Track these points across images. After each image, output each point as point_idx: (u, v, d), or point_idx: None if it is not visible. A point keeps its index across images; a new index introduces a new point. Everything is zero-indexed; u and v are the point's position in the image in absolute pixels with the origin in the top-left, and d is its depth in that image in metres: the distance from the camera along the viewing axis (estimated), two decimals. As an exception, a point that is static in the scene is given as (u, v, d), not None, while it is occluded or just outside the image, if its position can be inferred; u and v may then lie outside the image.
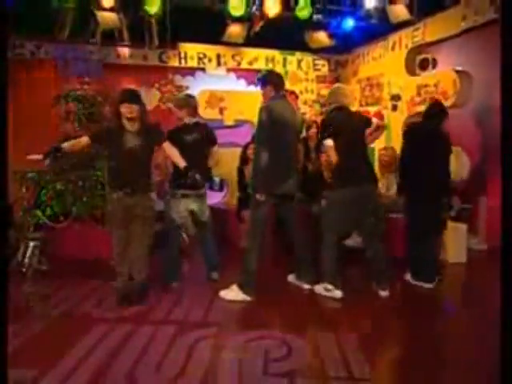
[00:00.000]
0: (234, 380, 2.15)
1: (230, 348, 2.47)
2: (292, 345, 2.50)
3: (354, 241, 4.71)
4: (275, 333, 2.68)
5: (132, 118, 3.02)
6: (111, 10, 4.59)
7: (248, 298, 3.30)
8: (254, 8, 4.93)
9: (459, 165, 4.69)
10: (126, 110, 3.00)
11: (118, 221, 3.10)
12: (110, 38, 5.21)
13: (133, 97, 3.07)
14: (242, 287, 3.30)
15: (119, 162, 3.06)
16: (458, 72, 4.63)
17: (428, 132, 3.64)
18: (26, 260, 4.04)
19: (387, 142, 5.70)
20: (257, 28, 5.20)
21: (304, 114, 6.78)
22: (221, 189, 6.56)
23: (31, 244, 4.11)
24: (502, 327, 1.43)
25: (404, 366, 2.37)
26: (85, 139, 3.09)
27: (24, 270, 3.98)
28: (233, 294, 3.31)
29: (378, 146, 5.92)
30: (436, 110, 3.68)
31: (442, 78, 4.80)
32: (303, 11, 4.86)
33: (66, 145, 3.06)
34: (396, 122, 5.54)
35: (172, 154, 3.22)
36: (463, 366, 2.32)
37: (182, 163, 3.18)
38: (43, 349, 2.49)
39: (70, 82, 4.83)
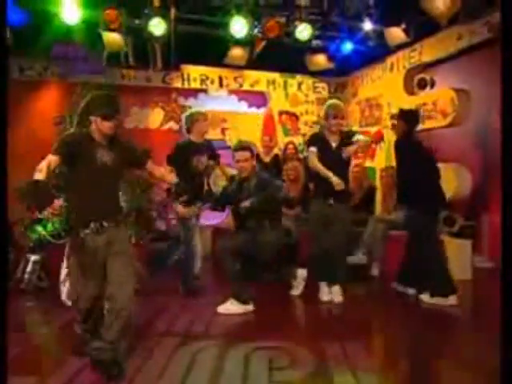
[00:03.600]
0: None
1: (234, 357, 2.42)
2: (296, 353, 2.45)
3: (358, 258, 4.69)
4: (279, 342, 2.63)
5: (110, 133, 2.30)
6: (117, 31, 4.72)
7: (250, 308, 3.25)
8: (256, 30, 5.09)
9: (461, 181, 4.71)
10: (104, 126, 2.25)
11: (86, 267, 2.25)
12: (116, 59, 5.36)
13: (114, 108, 2.29)
14: (237, 298, 3.26)
15: (88, 183, 2.24)
16: (456, 90, 4.73)
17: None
18: (26, 276, 3.99)
19: (387, 161, 5.74)
20: (258, 49, 5.35)
21: (304, 135, 6.90)
22: (223, 209, 6.57)
23: (31, 260, 4.08)
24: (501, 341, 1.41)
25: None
26: (51, 159, 2.17)
27: (23, 286, 3.93)
28: (234, 307, 3.26)
29: (379, 165, 5.98)
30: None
31: (441, 96, 4.90)
32: (303, 33, 5.00)
33: (38, 175, 2.11)
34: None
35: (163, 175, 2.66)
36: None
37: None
38: (42, 358, 2.42)
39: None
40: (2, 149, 1.85)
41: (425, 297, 3.56)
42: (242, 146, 3.42)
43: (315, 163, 3.54)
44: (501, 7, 2.22)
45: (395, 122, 3.96)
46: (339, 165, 3.56)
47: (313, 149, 3.64)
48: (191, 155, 3.71)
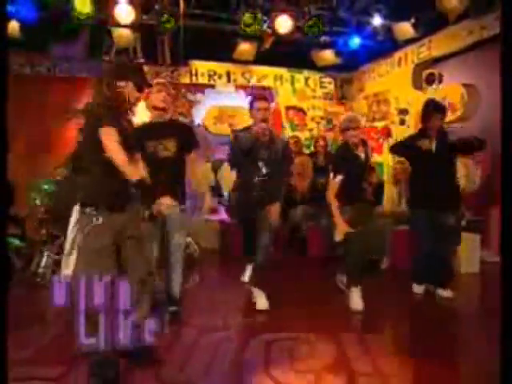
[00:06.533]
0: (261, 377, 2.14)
1: (255, 348, 2.47)
2: (317, 343, 2.50)
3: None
4: (300, 333, 2.68)
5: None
6: (127, 27, 4.74)
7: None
8: (265, 26, 5.10)
9: (469, 176, 4.75)
10: (135, 94, 2.14)
11: (102, 255, 2.03)
12: (124, 55, 5.38)
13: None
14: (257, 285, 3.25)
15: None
16: (465, 86, 4.75)
17: None
18: (41, 270, 4.04)
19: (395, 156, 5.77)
20: (267, 45, 5.37)
21: (311, 129, 6.93)
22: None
23: (45, 254, 4.12)
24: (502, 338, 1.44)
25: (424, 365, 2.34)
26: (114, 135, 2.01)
27: (39, 279, 3.98)
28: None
29: (386, 161, 6.02)
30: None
31: (450, 91, 4.92)
32: (313, 28, 5.01)
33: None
34: (404, 136, 5.62)
35: None
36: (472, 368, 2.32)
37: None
38: (63, 350, 2.45)
39: (85, 98, 4.95)
40: (3, 147, 1.81)
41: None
42: (261, 96, 3.33)
43: (331, 198, 3.30)
44: (501, 6, 2.21)
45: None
46: (362, 173, 3.47)
47: (339, 177, 3.27)
48: (145, 139, 2.75)
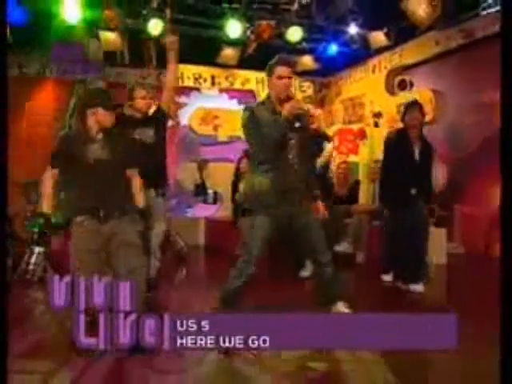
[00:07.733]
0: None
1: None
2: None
3: (344, 246, 5.01)
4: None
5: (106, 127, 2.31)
6: (115, 30, 4.90)
7: None
8: (249, 32, 5.37)
9: (438, 175, 5.11)
10: (106, 117, 2.28)
11: (92, 258, 2.25)
12: (112, 58, 5.53)
13: (112, 101, 2.37)
14: None
15: (84, 178, 2.28)
16: (434, 91, 5.15)
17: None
18: (31, 267, 4.05)
19: (370, 156, 6.12)
20: (250, 50, 5.63)
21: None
22: (214, 202, 6.82)
23: (36, 251, 4.17)
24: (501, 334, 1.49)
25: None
26: (52, 175, 2.33)
27: (29, 277, 4.02)
28: None
29: (362, 160, 6.35)
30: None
31: (420, 96, 5.28)
32: (293, 36, 5.30)
33: (45, 203, 2.34)
34: (378, 137, 5.98)
35: None
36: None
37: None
38: (56, 346, 2.39)
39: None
40: (2, 144, 1.88)
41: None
42: (284, 60, 2.43)
43: None
44: (502, 7, 2.29)
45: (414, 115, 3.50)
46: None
47: None
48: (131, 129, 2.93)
